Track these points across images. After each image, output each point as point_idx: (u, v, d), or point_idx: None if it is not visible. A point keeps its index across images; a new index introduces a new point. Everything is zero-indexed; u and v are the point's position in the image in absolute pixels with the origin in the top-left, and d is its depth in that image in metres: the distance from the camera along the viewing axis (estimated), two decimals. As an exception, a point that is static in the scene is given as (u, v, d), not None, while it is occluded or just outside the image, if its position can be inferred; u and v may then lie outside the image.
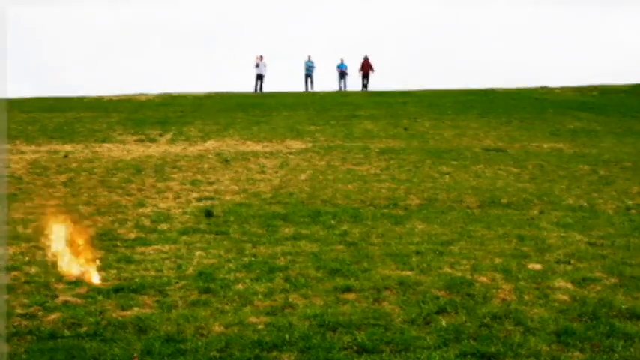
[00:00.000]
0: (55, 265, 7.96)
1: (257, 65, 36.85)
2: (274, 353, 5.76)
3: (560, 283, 7.63)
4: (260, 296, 7.15)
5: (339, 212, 11.50)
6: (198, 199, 12.66)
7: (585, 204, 12.63)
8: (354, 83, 39.40)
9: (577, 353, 5.77)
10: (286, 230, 10.24)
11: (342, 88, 38.35)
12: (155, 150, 19.10)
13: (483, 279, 7.76)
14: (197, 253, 8.93)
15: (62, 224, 8.43)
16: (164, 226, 10.46)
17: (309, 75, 38.12)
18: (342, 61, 38.51)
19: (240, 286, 7.48)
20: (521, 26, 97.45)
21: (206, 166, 16.47)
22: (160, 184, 14.13)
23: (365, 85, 38.21)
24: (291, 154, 18.37)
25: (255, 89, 37.08)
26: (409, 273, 7.99)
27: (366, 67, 37.95)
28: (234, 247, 9.27)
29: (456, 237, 9.88)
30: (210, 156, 17.93)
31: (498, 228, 10.47)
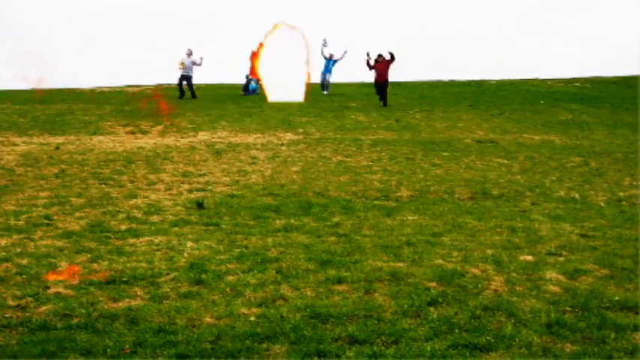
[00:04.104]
0: None
1: (182, 64, 28.82)
2: (266, 345, 5.76)
3: (551, 274, 7.65)
4: (251, 288, 7.14)
5: (330, 204, 11.49)
6: (190, 191, 12.63)
7: (577, 195, 12.67)
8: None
9: (568, 345, 5.79)
10: (277, 222, 10.23)
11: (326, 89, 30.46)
12: (146, 141, 19.04)
13: (475, 270, 7.77)
14: (188, 244, 8.91)
15: None
16: (155, 218, 10.43)
17: None
18: (330, 56, 29.90)
19: (231, 278, 7.48)
20: (511, 17, 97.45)
21: (197, 157, 16.42)
22: (151, 176, 14.08)
23: (383, 98, 26.95)
24: (282, 145, 18.34)
25: (181, 94, 29.13)
26: (400, 265, 8.00)
27: (384, 70, 26.74)
28: (226, 238, 9.26)
29: (448, 228, 9.89)
30: (201, 147, 17.89)
31: (490, 219, 10.48)
